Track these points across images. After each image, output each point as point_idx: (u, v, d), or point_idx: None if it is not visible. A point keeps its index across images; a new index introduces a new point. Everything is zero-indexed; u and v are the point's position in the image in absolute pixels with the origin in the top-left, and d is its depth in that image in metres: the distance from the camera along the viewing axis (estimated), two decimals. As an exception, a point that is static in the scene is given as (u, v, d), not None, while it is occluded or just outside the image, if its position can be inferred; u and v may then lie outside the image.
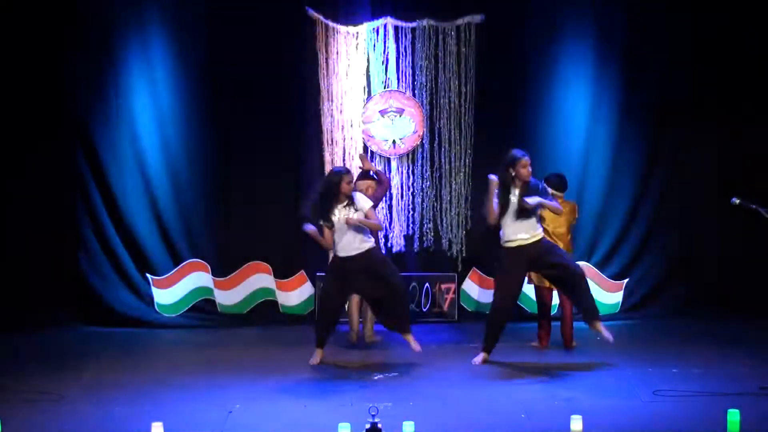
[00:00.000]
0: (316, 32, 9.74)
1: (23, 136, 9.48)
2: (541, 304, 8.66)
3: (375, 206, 8.84)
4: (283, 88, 9.73)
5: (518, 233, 7.69)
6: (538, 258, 7.73)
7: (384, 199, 9.72)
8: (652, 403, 6.66)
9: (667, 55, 9.87)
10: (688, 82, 9.87)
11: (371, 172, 8.94)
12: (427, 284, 9.90)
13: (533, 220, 7.70)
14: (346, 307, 9.61)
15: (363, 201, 7.75)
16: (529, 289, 9.89)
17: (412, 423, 5.30)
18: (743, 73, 9.82)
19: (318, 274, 9.82)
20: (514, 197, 7.67)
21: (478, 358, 7.87)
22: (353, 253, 7.67)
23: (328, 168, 9.77)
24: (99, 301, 9.63)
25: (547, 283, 8.43)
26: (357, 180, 8.82)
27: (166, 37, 9.68)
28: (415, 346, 7.80)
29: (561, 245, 8.26)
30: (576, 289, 7.84)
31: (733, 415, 5.64)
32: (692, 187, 10.01)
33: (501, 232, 7.80)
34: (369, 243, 7.73)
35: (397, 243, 9.92)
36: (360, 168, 9.08)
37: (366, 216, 7.67)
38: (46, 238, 9.59)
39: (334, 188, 7.66)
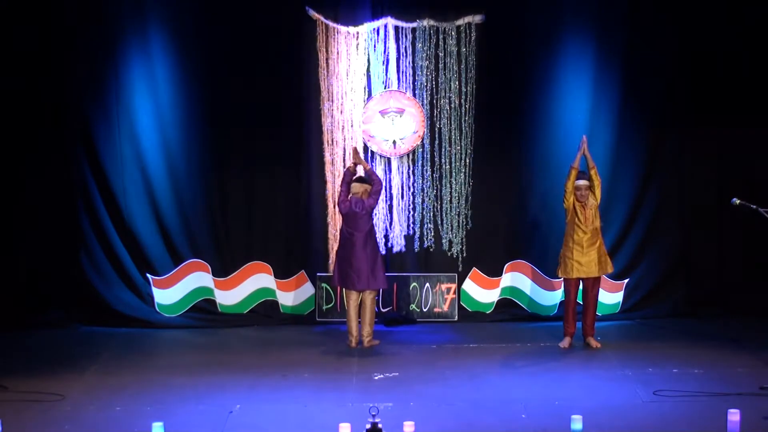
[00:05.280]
0: (317, 32, 9.72)
1: (24, 136, 9.47)
2: (567, 295, 8.67)
3: (375, 206, 8.85)
4: (284, 88, 9.73)
5: None
6: None
7: (384, 199, 9.71)
8: (652, 403, 6.66)
9: (668, 56, 9.85)
10: (688, 84, 9.85)
11: (364, 171, 8.90)
12: (427, 284, 9.89)
13: None
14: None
15: None
16: (528, 289, 9.91)
17: (412, 423, 5.30)
18: (743, 75, 9.80)
19: (318, 274, 9.80)
20: None
21: None
22: None
23: (328, 168, 9.75)
24: (99, 301, 9.62)
25: (574, 275, 8.48)
26: (353, 182, 8.80)
27: (166, 37, 9.67)
28: None
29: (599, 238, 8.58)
30: None
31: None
32: (692, 188, 9.99)
33: None
34: None
35: (398, 243, 9.90)
36: (353, 163, 9.01)
37: None
38: (46, 238, 9.59)
39: None
